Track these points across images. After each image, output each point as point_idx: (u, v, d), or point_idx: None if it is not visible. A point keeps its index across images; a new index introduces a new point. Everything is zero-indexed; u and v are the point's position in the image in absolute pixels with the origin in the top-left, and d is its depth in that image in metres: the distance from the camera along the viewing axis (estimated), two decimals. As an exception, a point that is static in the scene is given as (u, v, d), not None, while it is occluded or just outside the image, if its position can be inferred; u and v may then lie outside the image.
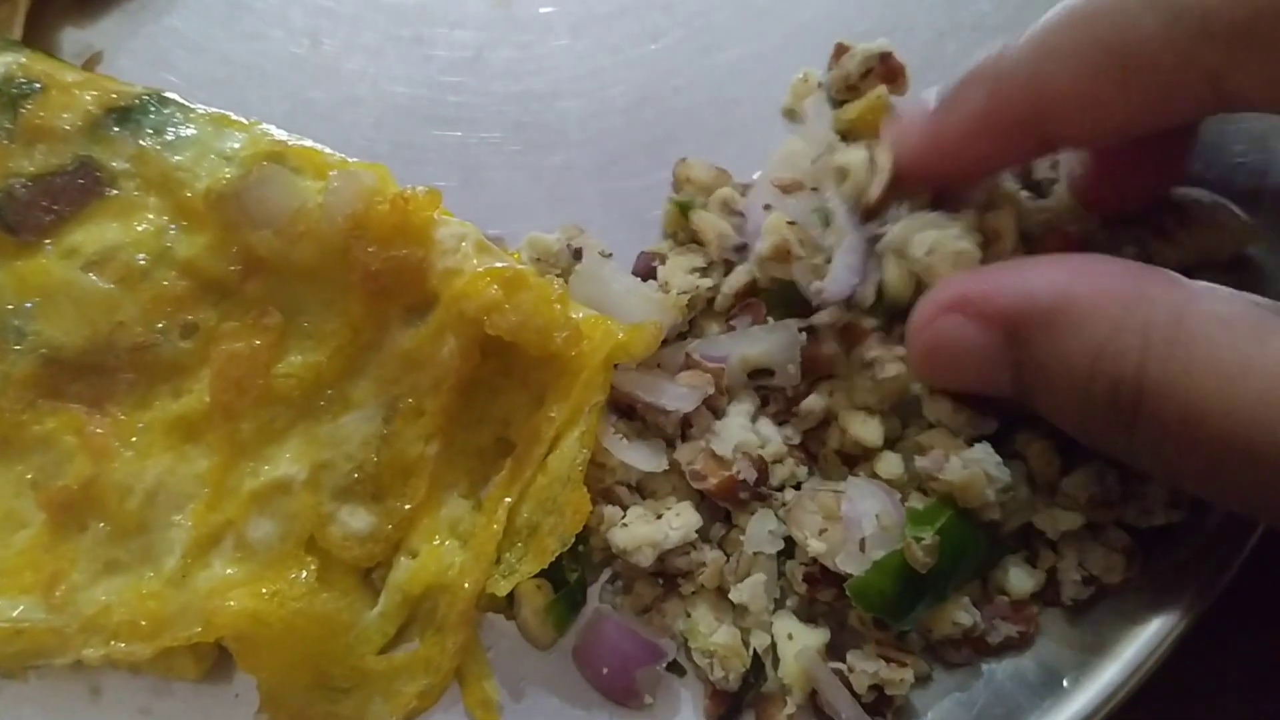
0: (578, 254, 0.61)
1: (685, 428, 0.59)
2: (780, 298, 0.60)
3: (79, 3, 0.67)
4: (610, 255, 0.62)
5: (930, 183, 0.58)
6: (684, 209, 0.63)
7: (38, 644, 0.56)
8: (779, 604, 0.58)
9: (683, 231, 0.63)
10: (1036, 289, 0.49)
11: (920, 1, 0.67)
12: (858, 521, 0.56)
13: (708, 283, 0.61)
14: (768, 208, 0.60)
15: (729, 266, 0.62)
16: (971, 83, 0.54)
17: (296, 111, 0.65)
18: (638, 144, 0.65)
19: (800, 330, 0.58)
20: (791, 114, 0.66)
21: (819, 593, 0.57)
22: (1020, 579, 0.57)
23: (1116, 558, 0.56)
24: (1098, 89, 0.50)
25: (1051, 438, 0.56)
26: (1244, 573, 0.56)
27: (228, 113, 0.58)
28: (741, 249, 0.61)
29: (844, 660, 0.56)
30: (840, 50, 0.65)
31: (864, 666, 0.55)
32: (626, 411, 0.60)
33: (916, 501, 0.56)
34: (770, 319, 0.60)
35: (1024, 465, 0.57)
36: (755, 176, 0.63)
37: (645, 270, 0.63)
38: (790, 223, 0.58)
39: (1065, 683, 0.57)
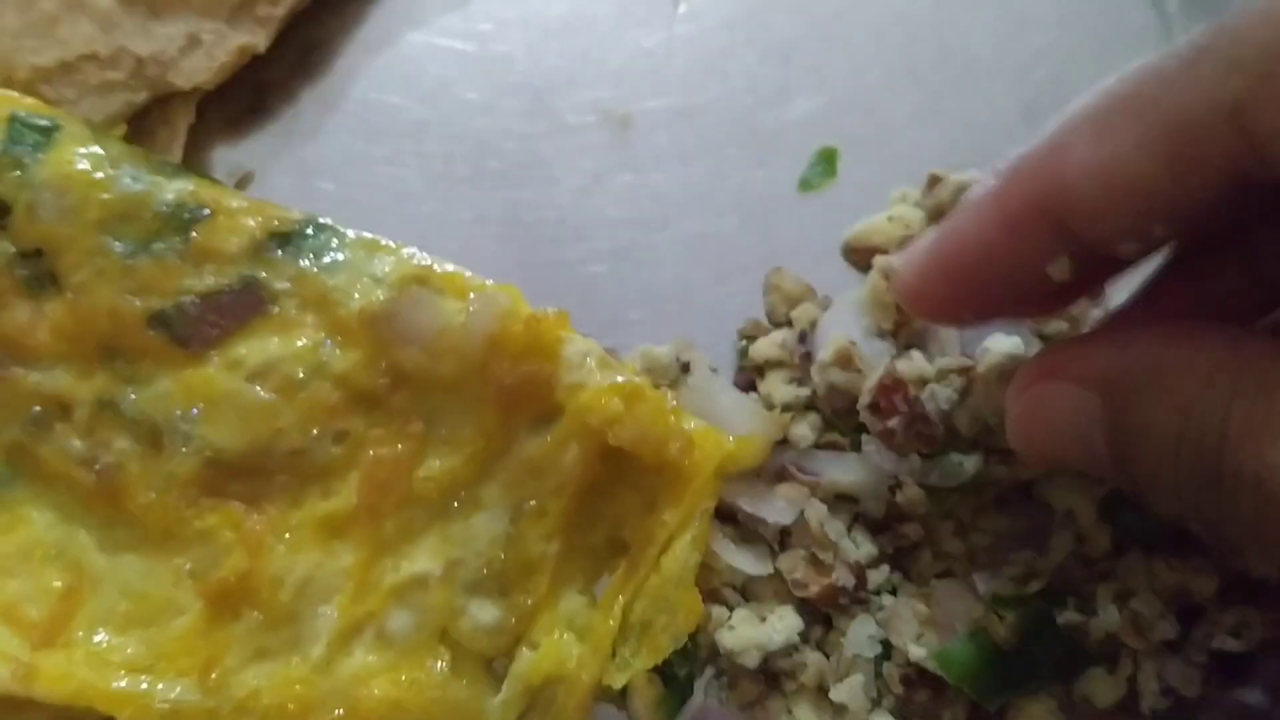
0: (686, 367, 0.66)
1: (784, 535, 0.64)
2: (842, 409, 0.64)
3: (230, 124, 0.73)
4: (716, 370, 0.67)
5: (940, 313, 0.58)
6: (749, 340, 0.68)
7: (192, 724, 0.61)
8: (876, 704, 0.62)
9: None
10: (1134, 352, 0.48)
11: (1009, 134, 0.72)
12: (950, 624, 0.60)
13: (805, 391, 0.65)
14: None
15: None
16: (984, 179, 0.52)
17: (430, 230, 0.70)
18: (742, 264, 0.70)
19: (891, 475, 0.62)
20: (853, 253, 0.70)
21: (915, 694, 0.61)
22: (1103, 687, 0.61)
23: (1194, 672, 0.60)
24: (1114, 143, 0.45)
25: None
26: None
27: (378, 237, 0.63)
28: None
29: (938, 759, 0.60)
30: (934, 180, 0.70)
31: (958, 765, 0.60)
32: (729, 517, 0.64)
33: (1002, 589, 0.61)
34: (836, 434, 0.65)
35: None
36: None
37: (746, 383, 0.68)
38: (851, 342, 0.63)
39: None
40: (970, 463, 0.62)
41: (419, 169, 0.72)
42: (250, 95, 0.74)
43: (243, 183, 0.72)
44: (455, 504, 0.62)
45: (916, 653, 0.60)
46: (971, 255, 0.51)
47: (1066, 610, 0.61)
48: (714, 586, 0.63)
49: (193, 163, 0.71)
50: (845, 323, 0.66)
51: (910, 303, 0.57)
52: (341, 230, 0.63)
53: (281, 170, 0.72)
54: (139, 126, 0.70)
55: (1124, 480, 0.51)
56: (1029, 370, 0.53)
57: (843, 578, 0.61)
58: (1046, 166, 0.47)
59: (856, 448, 0.63)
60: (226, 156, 0.73)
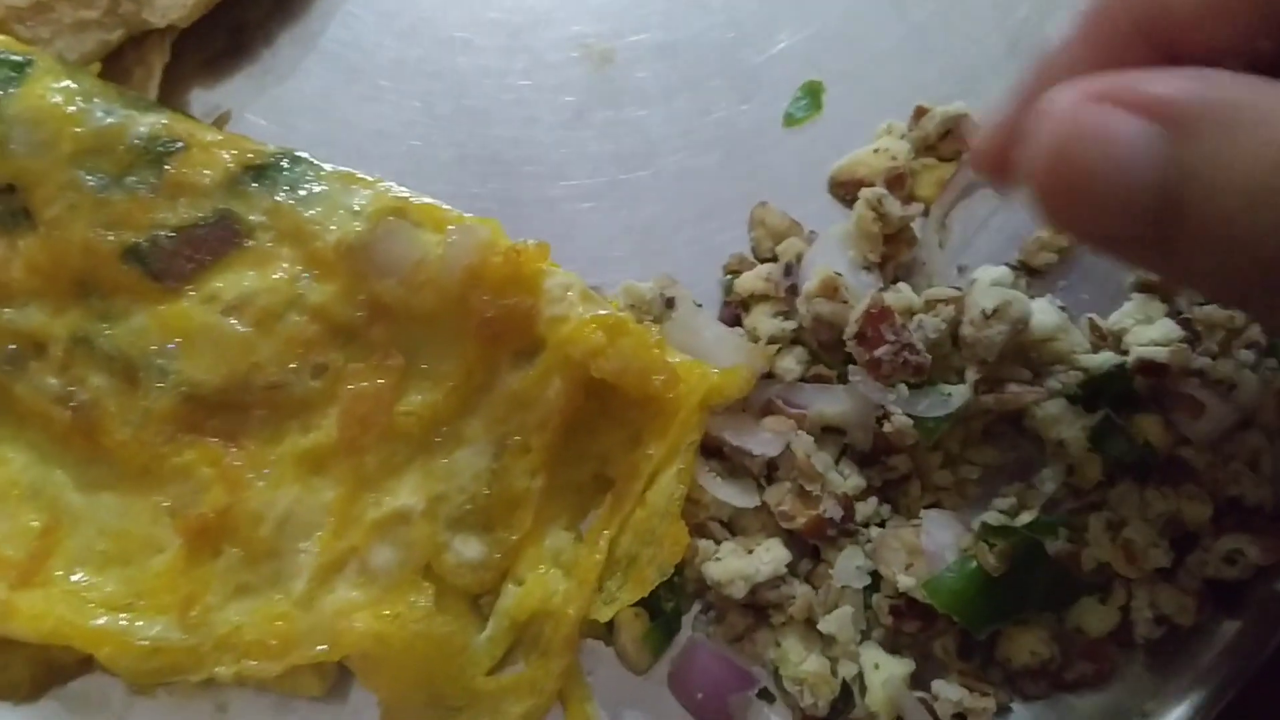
0: (670, 302, 0.65)
1: (771, 469, 0.63)
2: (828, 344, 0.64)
3: (207, 65, 0.72)
4: (701, 305, 0.66)
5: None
6: (733, 275, 0.67)
7: (173, 662, 0.60)
8: (865, 635, 0.61)
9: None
10: (1210, 82, 0.39)
11: (995, 68, 0.71)
12: (939, 554, 0.60)
13: (791, 325, 0.64)
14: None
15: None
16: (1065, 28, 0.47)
17: (409, 168, 0.69)
18: (726, 200, 0.69)
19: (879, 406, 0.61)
20: (839, 186, 0.69)
21: (904, 624, 0.60)
22: (1095, 616, 0.60)
23: (1189, 600, 0.59)
24: None
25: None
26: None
27: (354, 170, 0.62)
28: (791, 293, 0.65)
29: (928, 690, 0.60)
30: (920, 112, 0.69)
31: (948, 695, 0.59)
32: (715, 452, 0.63)
33: (992, 519, 0.61)
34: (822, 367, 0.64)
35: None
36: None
37: (731, 318, 0.67)
38: (837, 274, 0.63)
39: (1138, 721, 0.60)
40: (959, 393, 0.61)
41: (398, 107, 0.71)
42: (227, 36, 0.73)
43: (220, 122, 0.71)
44: (437, 439, 0.62)
45: (905, 582, 0.59)
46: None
47: (1058, 540, 0.60)
48: (700, 520, 0.62)
49: (170, 103, 0.70)
50: (831, 256, 0.65)
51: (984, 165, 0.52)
52: (316, 163, 0.62)
53: (259, 110, 0.71)
54: (115, 66, 0.69)
55: (1164, 253, 0.41)
56: (1074, 89, 0.41)
57: (830, 509, 0.60)
58: None
59: (843, 380, 0.63)
60: (204, 97, 0.72)
